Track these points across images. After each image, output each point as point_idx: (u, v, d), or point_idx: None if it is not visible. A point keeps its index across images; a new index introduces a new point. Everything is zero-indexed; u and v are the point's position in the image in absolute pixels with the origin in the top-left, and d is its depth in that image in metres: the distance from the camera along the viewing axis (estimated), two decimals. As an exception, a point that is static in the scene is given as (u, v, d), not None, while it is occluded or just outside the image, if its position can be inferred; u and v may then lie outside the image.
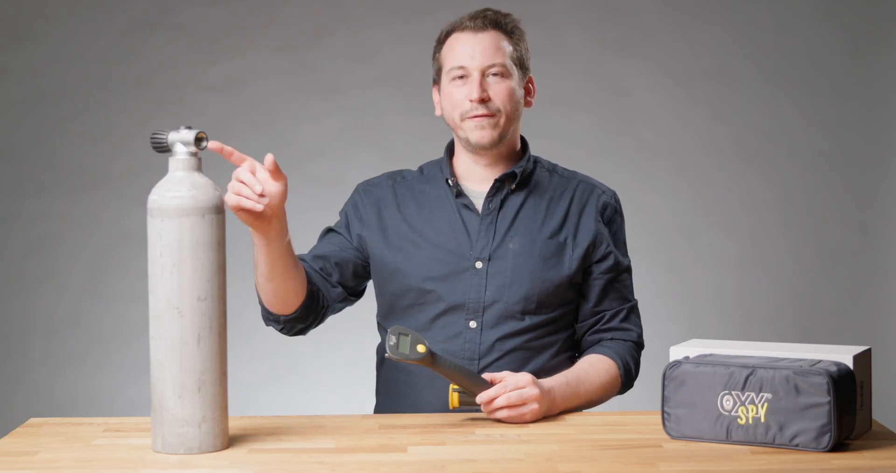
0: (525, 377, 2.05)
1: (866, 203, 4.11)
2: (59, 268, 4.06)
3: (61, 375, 4.05)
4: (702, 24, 4.09)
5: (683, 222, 4.12)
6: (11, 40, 4.02)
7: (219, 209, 1.83)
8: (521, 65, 2.28)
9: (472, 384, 2.04)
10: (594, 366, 2.23)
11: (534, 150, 2.36)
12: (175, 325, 1.81)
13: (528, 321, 2.24)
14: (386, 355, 2.01)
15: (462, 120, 2.24)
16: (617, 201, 2.35)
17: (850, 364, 1.86)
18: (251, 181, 1.91)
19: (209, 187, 1.83)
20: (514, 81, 2.25)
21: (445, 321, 2.24)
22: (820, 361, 1.85)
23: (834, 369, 1.81)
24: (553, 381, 2.12)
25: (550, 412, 2.09)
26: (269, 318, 2.22)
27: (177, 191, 1.81)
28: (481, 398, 2.03)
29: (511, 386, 2.03)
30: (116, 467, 1.79)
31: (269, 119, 4.08)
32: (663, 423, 1.91)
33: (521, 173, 2.28)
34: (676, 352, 1.97)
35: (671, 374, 1.89)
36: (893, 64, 4.07)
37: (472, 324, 2.23)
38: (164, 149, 1.86)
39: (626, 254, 2.34)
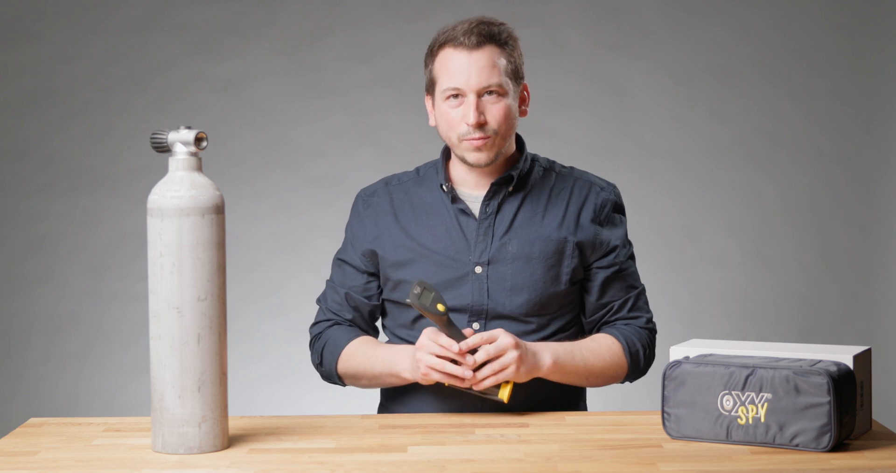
0: (505, 340, 2.07)
1: (867, 203, 4.10)
2: (59, 268, 4.05)
3: (61, 375, 4.05)
4: (702, 24, 4.09)
5: (684, 222, 4.12)
6: (11, 40, 4.02)
7: (219, 209, 1.83)
8: (516, 76, 2.22)
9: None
10: (596, 341, 2.23)
11: (533, 150, 2.35)
12: (175, 325, 1.81)
13: (534, 323, 2.23)
14: (407, 301, 2.05)
15: (459, 141, 2.19)
16: (616, 194, 2.31)
17: (850, 364, 1.86)
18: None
19: (209, 186, 1.83)
20: (510, 98, 2.20)
21: None
22: (820, 361, 1.85)
23: (834, 369, 1.81)
24: (545, 343, 2.17)
25: (539, 370, 2.13)
26: (337, 383, 2.33)
27: (177, 191, 1.81)
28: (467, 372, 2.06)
29: (493, 352, 2.07)
30: (116, 467, 1.79)
31: (269, 119, 4.07)
32: (663, 423, 1.91)
33: (517, 176, 2.25)
34: (676, 352, 1.97)
35: (671, 374, 1.89)
36: (893, 64, 4.07)
37: (476, 325, 2.21)
38: (163, 149, 1.86)
39: (627, 243, 2.31)
